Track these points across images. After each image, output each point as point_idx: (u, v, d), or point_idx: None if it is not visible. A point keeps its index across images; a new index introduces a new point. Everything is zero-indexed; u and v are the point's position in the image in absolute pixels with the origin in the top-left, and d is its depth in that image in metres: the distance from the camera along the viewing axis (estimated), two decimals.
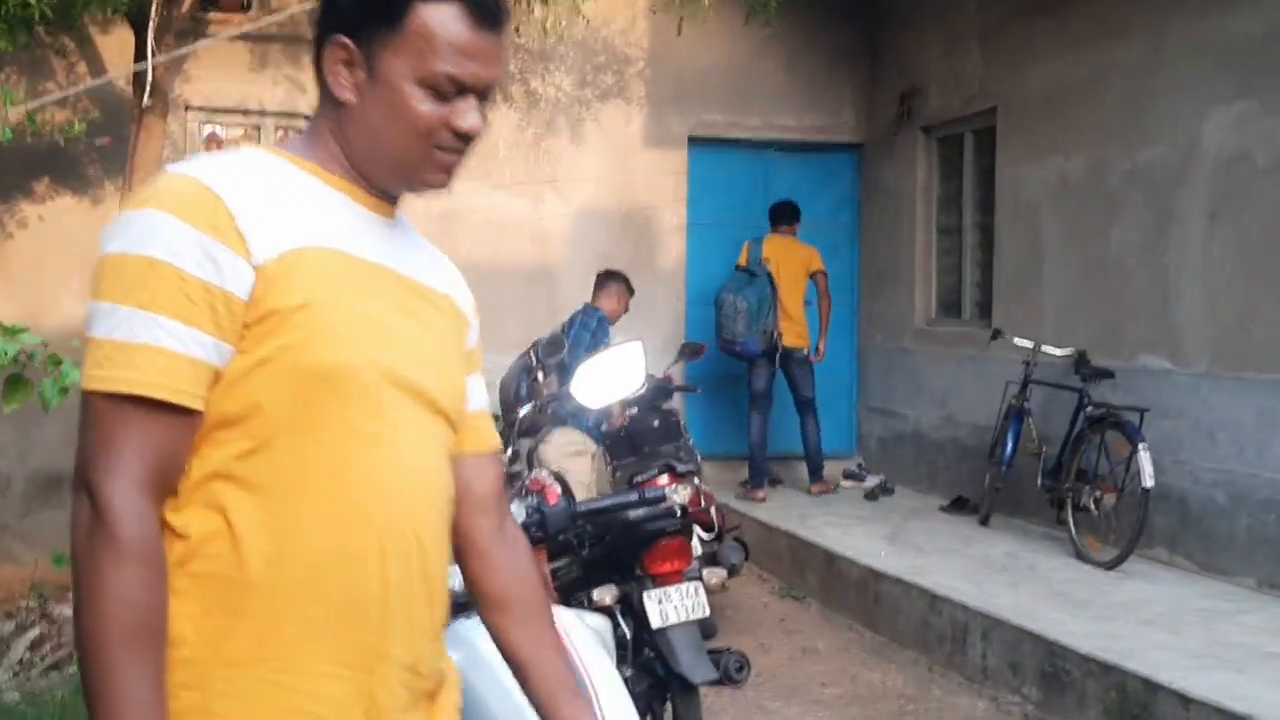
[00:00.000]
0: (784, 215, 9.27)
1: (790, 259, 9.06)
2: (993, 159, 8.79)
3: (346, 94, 1.55)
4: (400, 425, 1.51)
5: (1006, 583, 6.48)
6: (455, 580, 2.51)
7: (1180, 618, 5.74)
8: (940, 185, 9.69)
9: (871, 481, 9.49)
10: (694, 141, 10.14)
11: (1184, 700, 4.70)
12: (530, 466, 2.83)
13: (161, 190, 1.44)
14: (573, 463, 6.89)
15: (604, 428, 7.09)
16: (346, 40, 1.53)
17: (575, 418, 6.85)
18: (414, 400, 1.54)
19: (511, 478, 2.94)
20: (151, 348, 1.37)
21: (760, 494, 8.98)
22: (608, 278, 7.60)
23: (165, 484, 1.41)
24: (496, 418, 3.42)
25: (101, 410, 1.39)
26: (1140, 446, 6.49)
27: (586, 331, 7.07)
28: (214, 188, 1.43)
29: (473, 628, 2.27)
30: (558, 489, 2.65)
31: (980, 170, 9.08)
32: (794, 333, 9.03)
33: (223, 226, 1.41)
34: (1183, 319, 6.92)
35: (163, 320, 1.38)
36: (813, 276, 9.18)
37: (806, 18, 9.75)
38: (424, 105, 1.53)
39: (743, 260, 9.10)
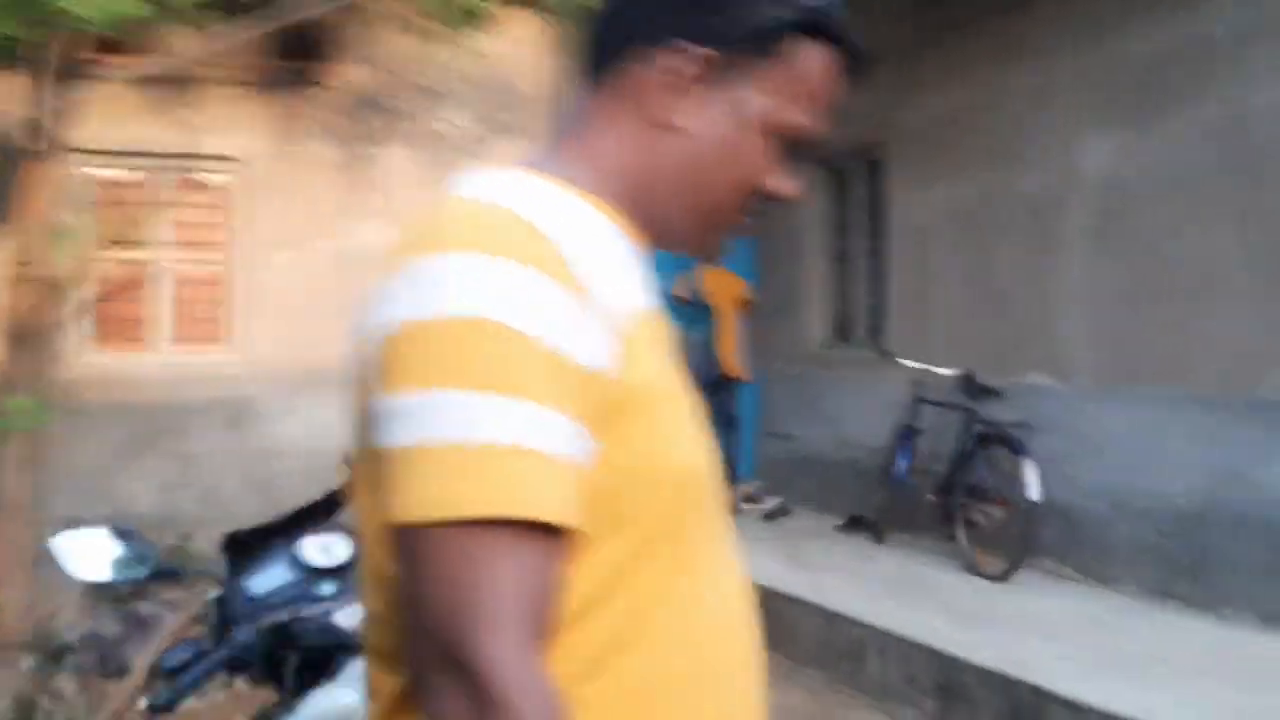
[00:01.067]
0: None
1: (727, 290, 9.46)
2: (883, 186, 9.02)
3: (673, 117, 1.19)
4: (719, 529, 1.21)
5: (901, 599, 6.62)
6: (356, 619, 2.56)
7: (1069, 627, 5.92)
8: (833, 212, 9.89)
9: (770, 504, 9.64)
10: None
11: (1075, 708, 4.85)
12: None
13: (484, 227, 1.06)
14: None
15: None
16: (710, 52, 1.18)
17: None
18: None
19: None
20: (530, 452, 0.97)
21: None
22: None
23: (546, 638, 1.01)
24: None
25: (463, 546, 0.96)
26: (1026, 462, 6.70)
27: None
28: (537, 223, 1.07)
29: None
30: None
31: (871, 198, 9.30)
32: (732, 361, 9.39)
33: (568, 277, 1.04)
34: (1066, 337, 7.16)
35: (539, 411, 0.98)
36: (742, 306, 9.55)
37: None
38: (763, 156, 1.22)
39: (680, 292, 9.33)
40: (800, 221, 10.03)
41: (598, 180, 1.19)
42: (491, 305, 0.99)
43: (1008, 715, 5.18)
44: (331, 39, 9.17)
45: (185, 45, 7.80)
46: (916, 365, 7.94)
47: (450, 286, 1.01)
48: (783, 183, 1.25)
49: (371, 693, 1.15)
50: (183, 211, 9.33)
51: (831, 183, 9.87)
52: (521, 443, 0.96)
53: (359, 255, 9.45)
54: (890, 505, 8.17)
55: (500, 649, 0.94)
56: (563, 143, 1.25)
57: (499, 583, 0.95)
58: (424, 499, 0.97)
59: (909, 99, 8.59)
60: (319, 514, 2.78)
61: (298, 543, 2.57)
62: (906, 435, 8.07)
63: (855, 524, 8.71)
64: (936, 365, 7.83)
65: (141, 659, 6.01)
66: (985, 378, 7.57)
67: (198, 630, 2.50)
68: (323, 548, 2.61)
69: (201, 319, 9.39)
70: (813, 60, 1.21)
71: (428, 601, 0.97)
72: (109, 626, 6.63)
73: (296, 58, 9.11)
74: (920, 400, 7.98)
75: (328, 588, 2.53)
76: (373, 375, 1.06)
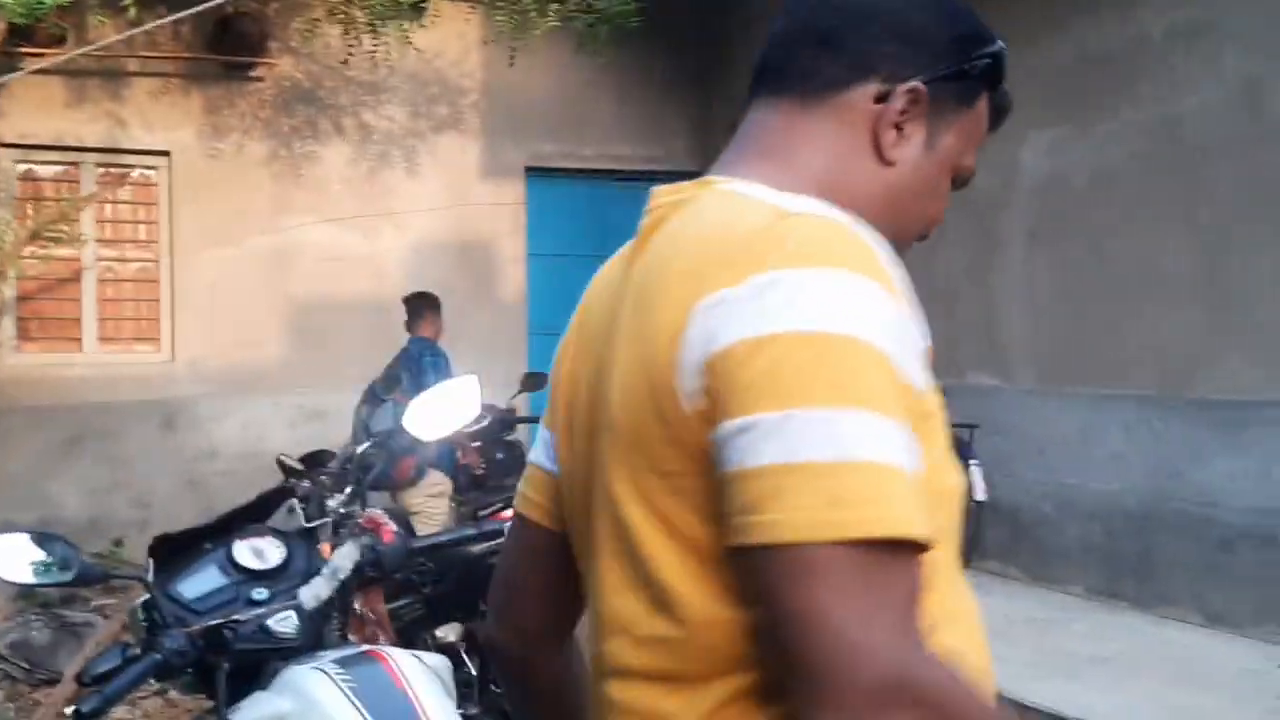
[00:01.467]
0: None
1: None
2: None
3: (894, 150, 1.22)
4: None
5: None
6: (290, 625, 2.45)
7: (1014, 627, 5.91)
8: None
9: None
10: (531, 172, 10.15)
11: (1020, 708, 4.83)
12: (362, 504, 2.78)
13: (835, 241, 1.05)
14: (438, 504, 6.86)
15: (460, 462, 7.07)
16: (929, 93, 1.22)
17: (444, 458, 6.83)
18: None
19: (345, 518, 2.89)
20: (902, 472, 0.97)
21: None
22: (423, 302, 7.47)
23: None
24: (349, 459, 3.36)
25: (859, 563, 0.94)
26: (971, 462, 6.69)
27: (434, 372, 7.00)
28: (868, 240, 1.08)
29: (306, 674, 2.21)
30: (393, 526, 2.61)
31: None
32: None
33: (900, 295, 1.06)
34: (1009, 337, 7.16)
35: (901, 430, 0.99)
36: None
37: (639, 49, 9.83)
38: (946, 194, 1.29)
39: None
40: None
41: (820, 200, 1.15)
42: (859, 322, 0.99)
43: None
44: (262, 31, 8.99)
45: (106, 33, 7.61)
46: None
47: (820, 302, 0.99)
48: (942, 217, 1.31)
49: (642, 715, 1.11)
50: (110, 207, 9.12)
51: None
52: (895, 462, 0.96)
53: (293, 252, 9.29)
54: None
55: (922, 655, 0.94)
56: (771, 159, 1.23)
57: (901, 597, 0.95)
58: (814, 520, 0.94)
59: None
60: (252, 517, 2.70)
61: (230, 546, 2.47)
62: None
63: None
64: None
65: (71, 667, 5.85)
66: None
67: (126, 636, 2.41)
68: (255, 551, 2.53)
69: (131, 318, 9.19)
70: (985, 109, 1.29)
71: (826, 621, 0.93)
72: (38, 634, 6.47)
73: (227, 50, 8.92)
74: None
75: (261, 592, 2.45)
76: (691, 389, 1.03)
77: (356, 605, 2.68)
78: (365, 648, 2.38)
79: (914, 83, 1.21)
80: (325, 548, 2.62)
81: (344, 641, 2.55)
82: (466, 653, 4.08)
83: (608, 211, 10.42)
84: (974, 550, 6.77)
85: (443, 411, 2.78)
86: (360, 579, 2.56)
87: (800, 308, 0.99)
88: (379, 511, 2.67)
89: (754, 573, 0.97)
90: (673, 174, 10.52)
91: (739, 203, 1.13)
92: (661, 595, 1.08)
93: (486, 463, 7.17)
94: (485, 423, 7.38)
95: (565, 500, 1.28)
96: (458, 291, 9.04)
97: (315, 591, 2.44)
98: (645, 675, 1.11)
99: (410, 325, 7.38)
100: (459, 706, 3.78)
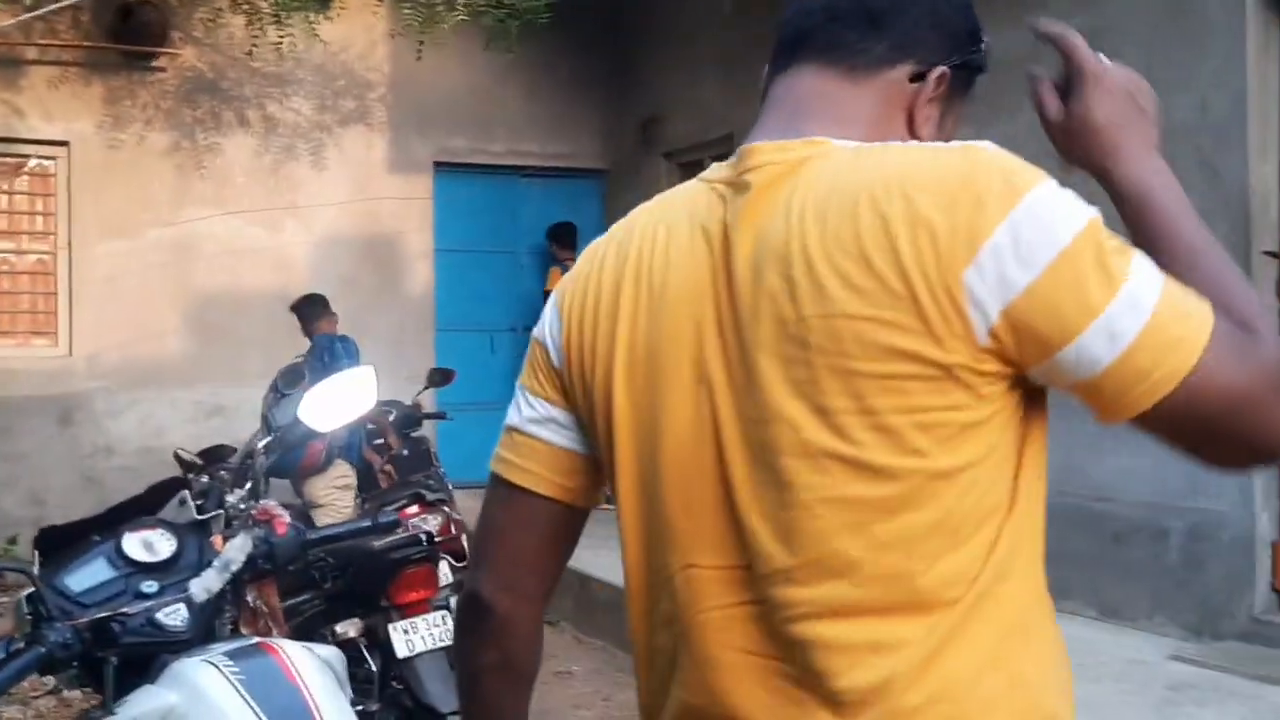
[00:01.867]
0: (574, 240, 9.49)
1: None
2: None
3: (925, 129, 1.35)
4: None
5: None
6: (179, 618, 2.42)
7: None
8: None
9: None
10: (439, 167, 10.09)
11: None
12: (257, 497, 2.75)
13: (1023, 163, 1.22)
14: (342, 496, 6.80)
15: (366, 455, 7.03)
16: (953, 75, 1.36)
17: (350, 450, 6.78)
18: None
19: (241, 512, 2.85)
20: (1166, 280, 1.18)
21: None
22: (314, 305, 7.44)
23: None
24: (250, 454, 3.31)
25: (1221, 336, 1.14)
26: None
27: (348, 358, 6.96)
28: None
29: (194, 667, 2.18)
30: (286, 518, 2.58)
31: None
32: None
33: None
34: None
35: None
36: None
37: (549, 45, 9.83)
38: None
39: (553, 286, 9.22)
40: None
41: None
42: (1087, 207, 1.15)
43: None
44: (165, 21, 8.84)
45: (2, 20, 7.43)
46: None
47: (1070, 202, 1.15)
48: None
49: (885, 646, 1.16)
50: (6, 198, 8.91)
51: (682, 179, 9.84)
52: (1161, 281, 1.13)
53: (195, 245, 9.14)
54: None
55: None
56: (839, 125, 1.30)
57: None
58: (1193, 344, 1.11)
59: (758, 97, 8.62)
60: (142, 509, 2.66)
61: (119, 538, 2.43)
62: None
63: None
64: None
65: None
66: None
67: (9, 629, 2.36)
68: (145, 543, 2.49)
69: (27, 311, 8.98)
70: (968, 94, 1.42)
71: (1246, 405, 1.12)
72: None
73: (128, 40, 8.75)
74: None
75: (150, 585, 2.41)
76: (992, 308, 1.11)
77: (249, 598, 2.65)
78: (256, 640, 2.35)
79: (943, 68, 1.33)
80: (217, 540, 2.57)
81: (236, 634, 2.52)
82: (367, 649, 4.05)
83: (516, 207, 10.41)
84: None
85: (339, 402, 2.76)
86: (253, 571, 2.53)
87: (1071, 211, 1.14)
88: (273, 503, 2.64)
89: (1172, 415, 1.13)
90: (581, 171, 10.59)
91: (901, 147, 1.25)
92: (948, 518, 1.16)
93: (393, 460, 7.11)
94: (391, 418, 7.32)
95: (646, 465, 1.29)
96: (364, 287, 8.98)
97: (206, 584, 2.40)
98: (875, 610, 1.16)
99: (308, 331, 7.35)
100: (359, 702, 3.76)
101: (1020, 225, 1.12)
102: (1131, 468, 5.91)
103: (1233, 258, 1.25)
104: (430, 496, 5.49)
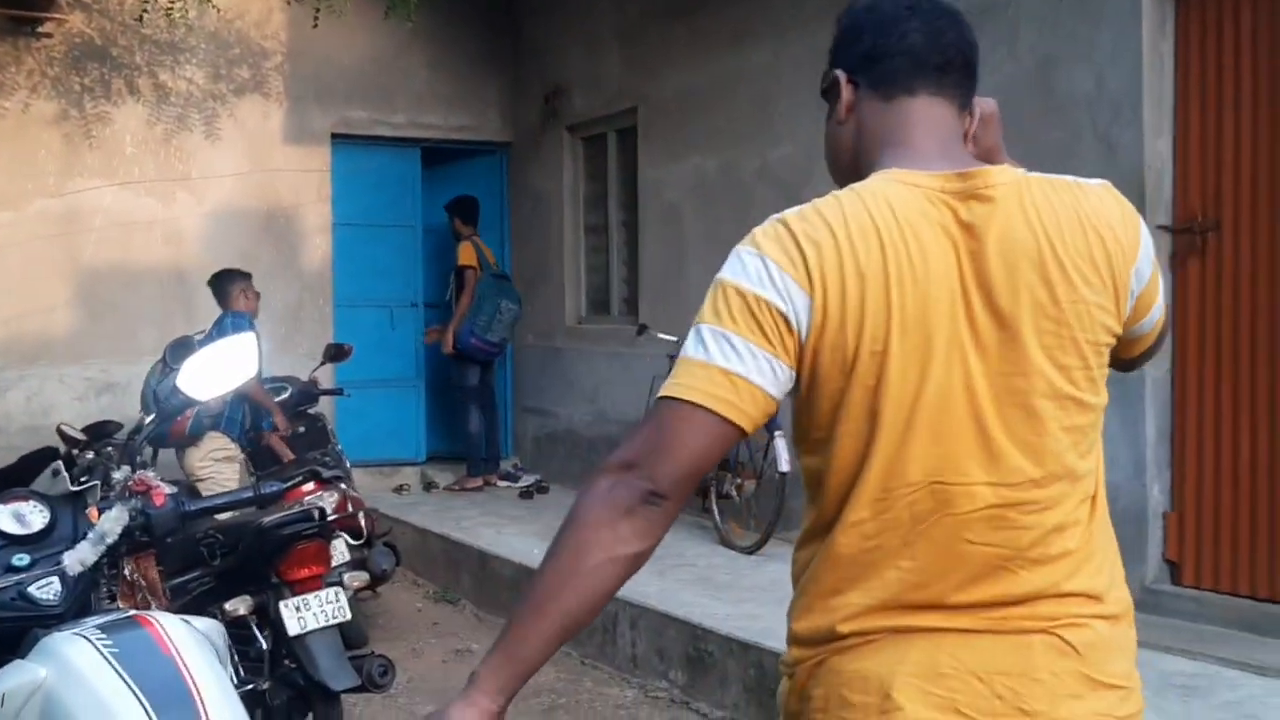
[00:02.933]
0: (477, 215, 9.46)
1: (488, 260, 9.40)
2: (635, 158, 8.99)
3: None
4: None
5: (654, 571, 6.59)
6: (52, 591, 2.32)
7: None
8: (586, 185, 9.83)
9: (526, 480, 9.53)
10: (337, 139, 9.90)
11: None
12: (134, 468, 2.65)
13: None
14: (222, 469, 6.64)
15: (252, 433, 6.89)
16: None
17: (229, 422, 6.63)
18: None
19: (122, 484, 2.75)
20: None
21: (476, 482, 9.37)
22: (230, 279, 7.20)
23: None
24: (137, 429, 3.20)
25: None
26: (776, 434, 6.76)
27: (235, 333, 6.78)
28: None
29: (66, 641, 2.09)
30: (165, 489, 2.49)
31: (624, 170, 9.27)
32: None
33: None
34: None
35: None
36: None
37: (450, 16, 9.70)
38: None
39: (469, 260, 9.15)
40: (551, 192, 9.93)
41: None
42: None
43: (753, 682, 5.21)
44: None
45: None
46: (670, 338, 7.94)
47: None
48: None
49: (1071, 523, 1.65)
50: None
51: (585, 153, 9.81)
52: None
53: (83, 217, 8.87)
54: None
55: None
56: (966, 152, 1.79)
57: None
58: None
59: (658, 71, 8.61)
60: (13, 480, 2.56)
61: None
62: None
63: None
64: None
65: None
66: None
67: None
68: (16, 515, 2.40)
69: None
70: None
71: None
72: None
73: (12, 4, 8.45)
74: None
75: (22, 558, 2.32)
76: (1136, 287, 1.70)
77: (127, 571, 2.55)
78: (131, 613, 2.27)
79: (972, 104, 1.81)
80: (93, 512, 2.48)
81: (113, 608, 2.43)
82: (257, 626, 3.94)
83: (415, 181, 10.25)
84: (779, 522, 6.85)
85: (219, 370, 2.66)
86: (130, 543, 2.44)
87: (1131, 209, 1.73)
88: (150, 474, 2.54)
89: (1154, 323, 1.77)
90: (484, 144, 10.46)
91: (1074, 183, 1.72)
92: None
93: (288, 436, 6.97)
94: (287, 394, 7.18)
95: (907, 404, 1.58)
96: (261, 261, 8.77)
97: (80, 557, 2.32)
98: (1073, 499, 1.66)
99: (223, 307, 7.11)
100: (250, 680, 3.66)
101: (1146, 241, 1.70)
102: None
103: None
104: (326, 474, 5.38)
